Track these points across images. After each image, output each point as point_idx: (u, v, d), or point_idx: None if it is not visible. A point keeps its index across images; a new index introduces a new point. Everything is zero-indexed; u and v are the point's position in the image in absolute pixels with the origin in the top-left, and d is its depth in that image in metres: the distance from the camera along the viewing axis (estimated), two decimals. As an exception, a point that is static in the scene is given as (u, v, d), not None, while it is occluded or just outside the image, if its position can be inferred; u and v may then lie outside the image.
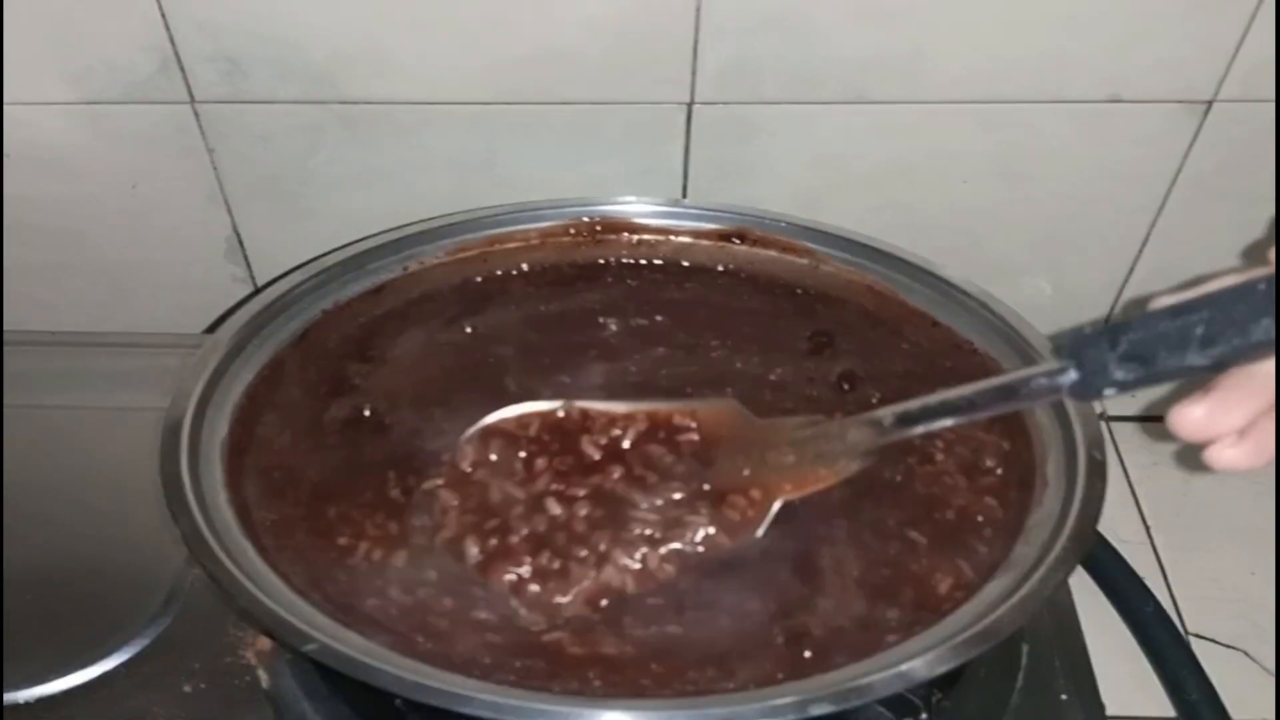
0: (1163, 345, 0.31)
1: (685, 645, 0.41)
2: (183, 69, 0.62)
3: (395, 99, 0.63)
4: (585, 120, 0.63)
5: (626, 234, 0.60)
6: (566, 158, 0.65)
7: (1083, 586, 0.61)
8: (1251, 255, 0.68)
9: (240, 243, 0.72)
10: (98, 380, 0.66)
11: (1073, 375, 0.33)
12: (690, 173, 0.66)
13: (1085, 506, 0.42)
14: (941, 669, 0.37)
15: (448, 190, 0.67)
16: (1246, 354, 0.30)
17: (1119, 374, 0.32)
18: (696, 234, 0.60)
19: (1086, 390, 0.33)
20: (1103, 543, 0.62)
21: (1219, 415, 0.31)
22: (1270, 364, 0.30)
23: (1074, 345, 0.33)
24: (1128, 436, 0.73)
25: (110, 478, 0.58)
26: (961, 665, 0.45)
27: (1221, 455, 0.32)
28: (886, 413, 0.40)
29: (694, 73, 0.60)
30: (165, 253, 0.72)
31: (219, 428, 0.48)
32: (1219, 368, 0.31)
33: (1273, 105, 0.60)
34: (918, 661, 0.37)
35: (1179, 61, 0.59)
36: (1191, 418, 0.32)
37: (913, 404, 0.40)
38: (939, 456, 0.49)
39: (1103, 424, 0.73)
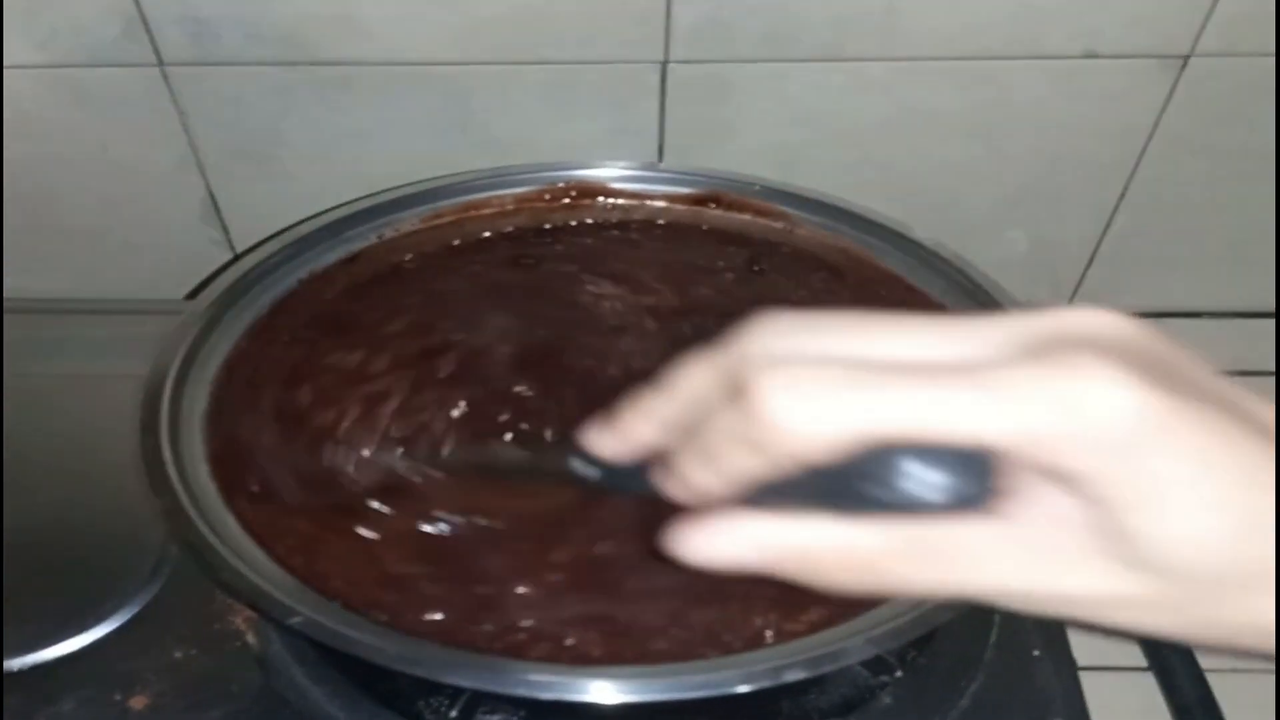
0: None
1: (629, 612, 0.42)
2: (149, 31, 0.61)
3: (366, 60, 0.62)
4: (559, 80, 0.62)
5: (602, 198, 0.60)
6: (542, 118, 0.64)
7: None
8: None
9: (216, 205, 0.71)
10: (78, 347, 0.66)
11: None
12: (666, 132, 0.65)
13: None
14: (910, 636, 0.38)
15: (423, 151, 0.66)
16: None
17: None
18: (671, 198, 0.60)
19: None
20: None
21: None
22: None
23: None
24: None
25: (93, 445, 0.58)
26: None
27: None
28: None
29: (667, 31, 0.60)
30: (141, 216, 0.72)
31: (198, 401, 0.48)
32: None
33: (1249, 59, 0.60)
34: (886, 629, 0.38)
35: (1154, 16, 0.58)
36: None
37: None
38: None
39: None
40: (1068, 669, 0.50)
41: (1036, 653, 0.50)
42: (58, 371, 0.63)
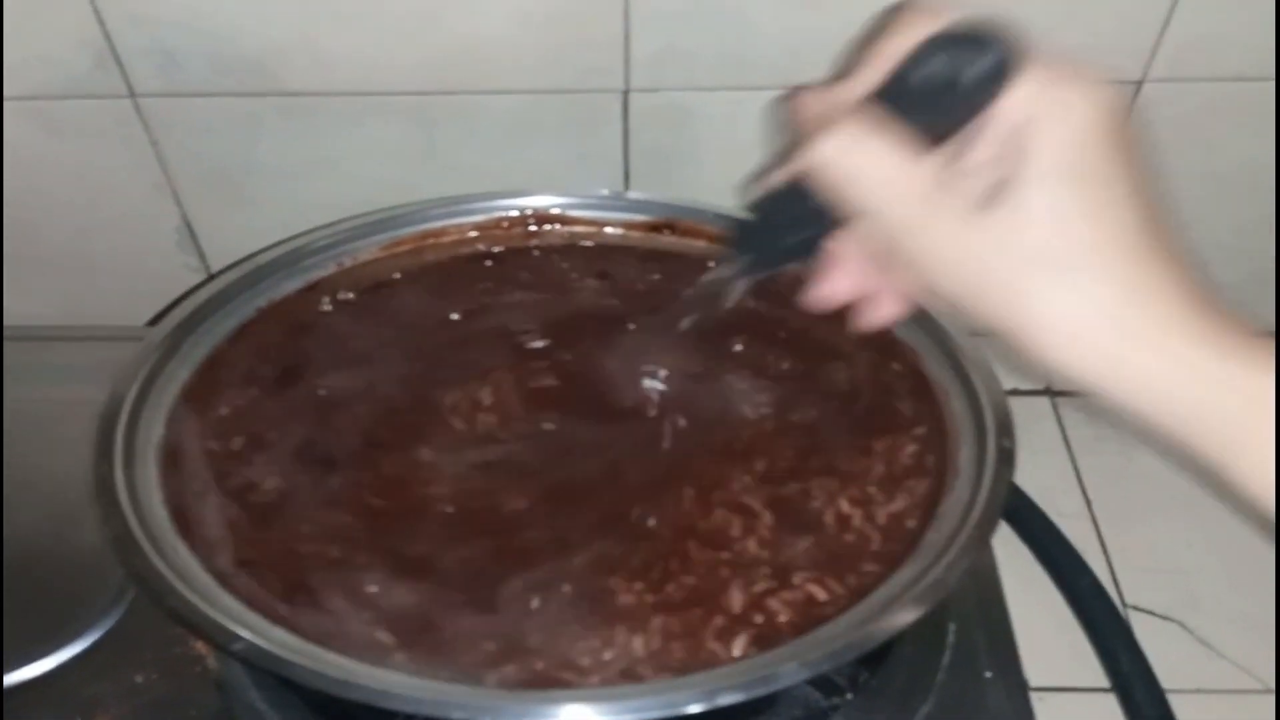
0: (779, 231, 0.37)
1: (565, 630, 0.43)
2: (119, 63, 0.62)
3: (333, 90, 0.63)
4: (523, 109, 0.63)
5: (559, 226, 0.61)
6: (507, 146, 0.65)
7: (1021, 558, 0.62)
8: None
9: (191, 232, 0.72)
10: (44, 372, 0.66)
11: (741, 261, 0.40)
12: (631, 159, 0.66)
13: (991, 495, 0.43)
14: (845, 659, 0.39)
15: (391, 177, 0.67)
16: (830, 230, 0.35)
17: (765, 258, 0.39)
18: (628, 225, 0.60)
19: (755, 270, 0.40)
20: (1040, 517, 0.63)
21: (833, 285, 0.37)
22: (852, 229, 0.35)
23: (736, 239, 0.40)
24: (1072, 411, 0.74)
25: (57, 471, 0.58)
26: (888, 644, 0.47)
27: (864, 319, 0.38)
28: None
29: (626, 60, 0.60)
30: (118, 244, 0.73)
31: (155, 429, 0.49)
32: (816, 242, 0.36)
33: (1201, 84, 0.60)
34: (819, 652, 0.38)
35: (1106, 42, 0.59)
36: (816, 296, 0.37)
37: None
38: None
39: (1048, 398, 0.74)
40: (1019, 691, 0.50)
41: (989, 674, 0.51)
42: (24, 397, 0.64)
